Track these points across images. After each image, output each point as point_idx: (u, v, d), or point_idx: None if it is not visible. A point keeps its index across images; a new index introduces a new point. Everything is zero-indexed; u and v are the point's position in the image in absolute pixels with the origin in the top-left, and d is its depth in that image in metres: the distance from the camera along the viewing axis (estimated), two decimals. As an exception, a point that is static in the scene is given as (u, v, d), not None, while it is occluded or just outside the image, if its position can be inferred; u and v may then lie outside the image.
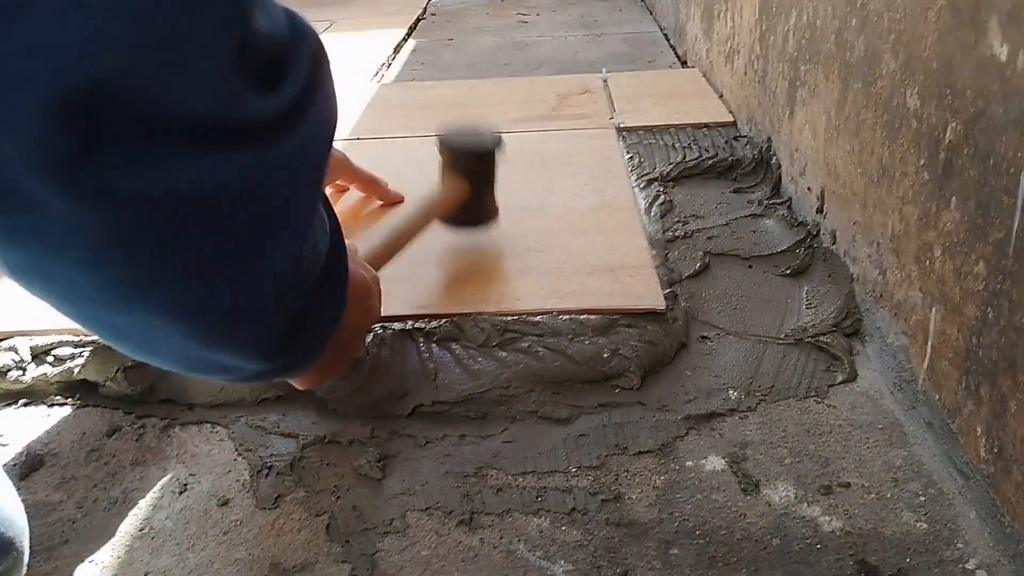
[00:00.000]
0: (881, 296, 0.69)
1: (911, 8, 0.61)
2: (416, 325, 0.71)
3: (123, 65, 0.27)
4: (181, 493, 0.58)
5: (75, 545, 0.54)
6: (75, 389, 0.68)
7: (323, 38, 0.37)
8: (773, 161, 0.99)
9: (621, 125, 1.17)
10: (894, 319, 0.66)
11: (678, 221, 0.91)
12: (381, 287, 0.62)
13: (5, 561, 0.43)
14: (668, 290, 0.75)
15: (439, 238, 0.83)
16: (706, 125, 1.15)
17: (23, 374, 0.68)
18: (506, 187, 0.84)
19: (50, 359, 0.69)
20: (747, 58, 1.11)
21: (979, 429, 0.52)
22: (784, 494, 0.55)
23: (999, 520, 0.50)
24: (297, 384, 0.55)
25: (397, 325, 0.72)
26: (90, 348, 0.68)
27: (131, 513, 0.57)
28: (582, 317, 0.71)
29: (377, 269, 0.64)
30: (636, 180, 1.00)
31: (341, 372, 0.57)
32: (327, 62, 0.38)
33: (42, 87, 0.26)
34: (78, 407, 0.67)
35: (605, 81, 1.39)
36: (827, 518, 0.53)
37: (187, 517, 0.56)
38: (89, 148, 0.27)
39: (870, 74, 0.69)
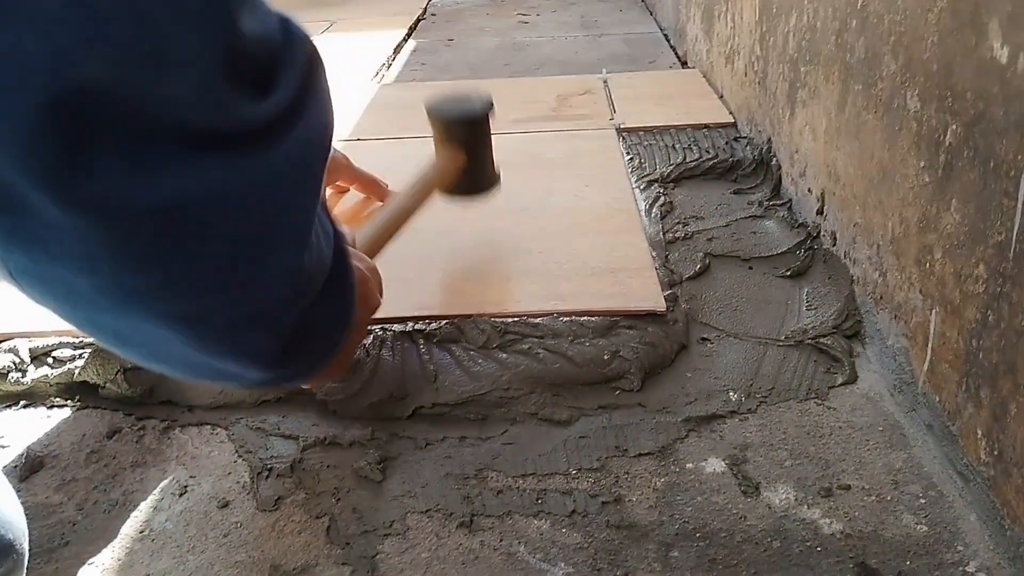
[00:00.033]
0: (881, 298, 0.69)
1: (911, 10, 0.61)
2: (416, 327, 0.71)
3: (110, 70, 0.27)
4: (181, 495, 0.58)
5: (75, 547, 0.54)
6: (75, 391, 0.69)
7: (323, 38, 0.37)
8: (773, 162, 0.99)
9: (621, 126, 1.17)
10: (894, 321, 0.66)
11: (678, 222, 0.91)
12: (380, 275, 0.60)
13: (5, 563, 0.43)
14: (668, 292, 0.75)
15: (439, 238, 0.83)
16: (706, 126, 1.15)
17: (23, 376, 0.68)
18: (506, 188, 0.84)
19: (50, 361, 0.69)
20: (747, 59, 1.11)
21: (979, 432, 0.52)
22: (784, 496, 0.55)
23: (999, 523, 0.50)
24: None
25: (397, 327, 0.72)
26: (90, 350, 0.68)
27: (131, 515, 0.57)
28: (582, 319, 0.71)
29: (377, 252, 0.63)
30: (636, 181, 1.00)
31: (344, 369, 0.57)
32: (322, 68, 0.38)
33: (31, 91, 0.25)
34: (78, 409, 0.67)
35: (605, 82, 1.39)
36: (827, 520, 0.53)
37: (187, 519, 0.56)
38: (78, 154, 0.27)
39: (870, 76, 0.69)
